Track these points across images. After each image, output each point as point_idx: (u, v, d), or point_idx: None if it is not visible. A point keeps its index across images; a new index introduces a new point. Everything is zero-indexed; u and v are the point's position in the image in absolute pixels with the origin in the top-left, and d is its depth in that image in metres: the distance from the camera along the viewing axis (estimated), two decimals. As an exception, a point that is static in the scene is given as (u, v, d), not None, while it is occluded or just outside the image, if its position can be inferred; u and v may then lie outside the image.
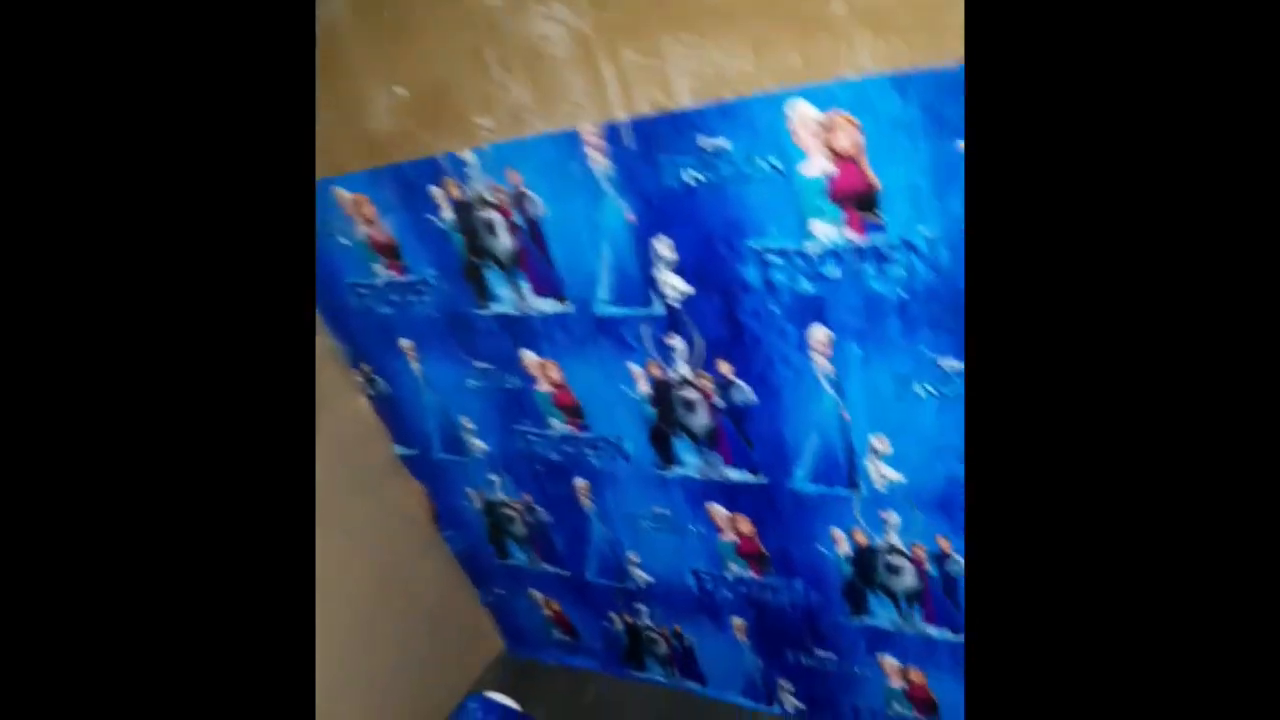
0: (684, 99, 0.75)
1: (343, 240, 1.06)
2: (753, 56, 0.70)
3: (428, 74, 0.85)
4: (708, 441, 1.01)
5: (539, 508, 1.25)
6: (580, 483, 1.17)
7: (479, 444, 1.22)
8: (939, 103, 0.66)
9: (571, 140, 0.82)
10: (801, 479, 0.98)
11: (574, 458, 1.15)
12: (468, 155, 0.89)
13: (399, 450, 1.33)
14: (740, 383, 0.93)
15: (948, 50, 0.62)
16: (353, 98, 0.91)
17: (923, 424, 0.85)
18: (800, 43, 0.67)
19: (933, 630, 1.02)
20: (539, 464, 1.19)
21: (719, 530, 1.10)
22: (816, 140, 0.73)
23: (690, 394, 0.97)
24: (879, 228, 0.75)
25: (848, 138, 0.71)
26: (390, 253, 1.04)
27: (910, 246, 0.74)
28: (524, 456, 1.19)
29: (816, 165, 0.74)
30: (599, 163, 0.83)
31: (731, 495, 1.05)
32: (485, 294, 1.02)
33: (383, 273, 1.07)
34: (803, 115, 0.72)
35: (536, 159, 0.86)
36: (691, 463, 1.05)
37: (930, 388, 0.82)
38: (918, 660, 1.08)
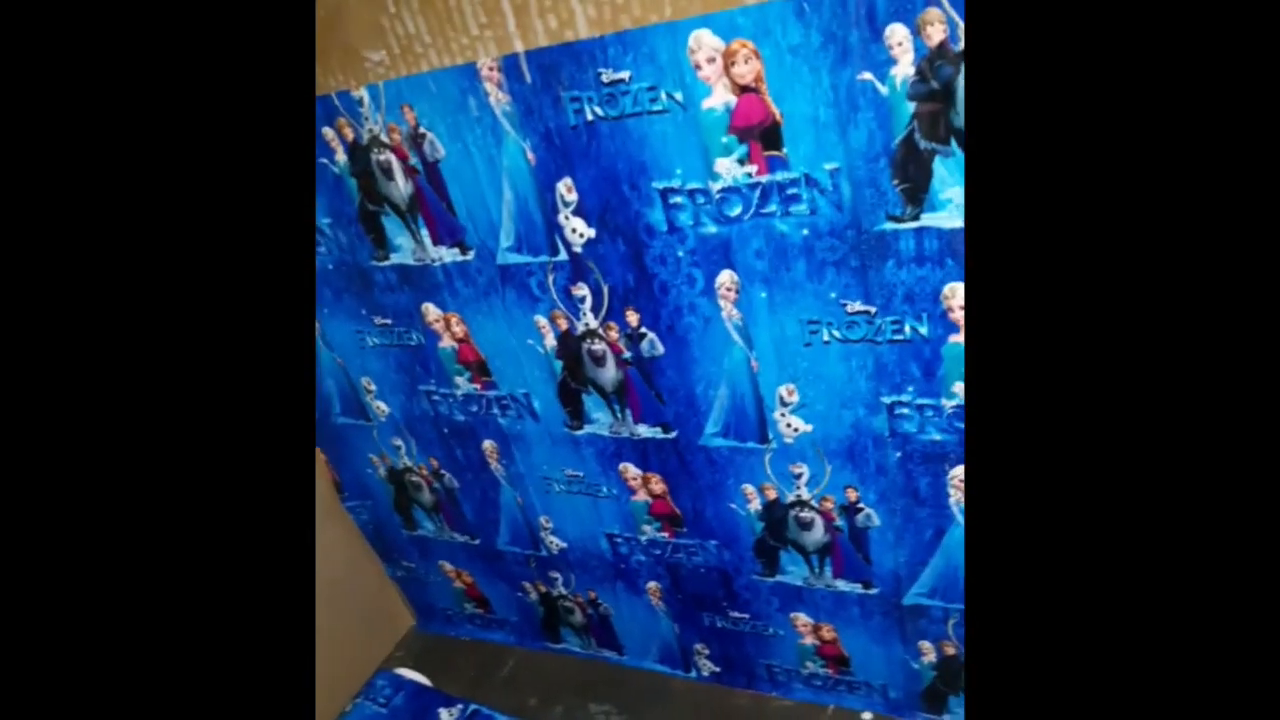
0: (584, 29, 0.73)
1: (231, 187, 1.02)
2: (651, -19, 0.68)
3: (316, 5, 0.82)
4: (617, 397, 1.00)
5: (446, 473, 1.22)
6: (489, 445, 1.15)
7: (382, 406, 1.19)
8: (841, 30, 0.65)
9: (469, 74, 0.80)
10: (712, 434, 0.97)
11: (481, 418, 1.12)
12: (360, 92, 0.86)
13: (300, 417, 1.28)
14: (649, 333, 0.91)
15: (846, -27, 0.62)
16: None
17: (830, 372, 0.85)
18: (699, -34, 0.66)
19: (842, 584, 1.03)
20: (445, 426, 1.16)
21: (631, 491, 1.09)
22: (717, 69, 0.71)
23: (598, 346, 0.96)
24: (782, 163, 0.74)
25: (749, 68, 0.70)
26: (282, 200, 1.00)
27: (813, 182, 0.74)
28: (429, 418, 1.16)
29: (718, 98, 0.73)
30: (498, 99, 0.80)
31: (643, 453, 1.04)
32: (383, 244, 0.98)
33: (275, 222, 1.03)
34: (704, 45, 0.70)
35: (432, 95, 0.83)
36: (602, 420, 1.03)
37: (836, 333, 0.81)
38: (829, 616, 1.08)
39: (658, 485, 1.06)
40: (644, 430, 1.01)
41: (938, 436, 0.83)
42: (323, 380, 1.20)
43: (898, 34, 0.64)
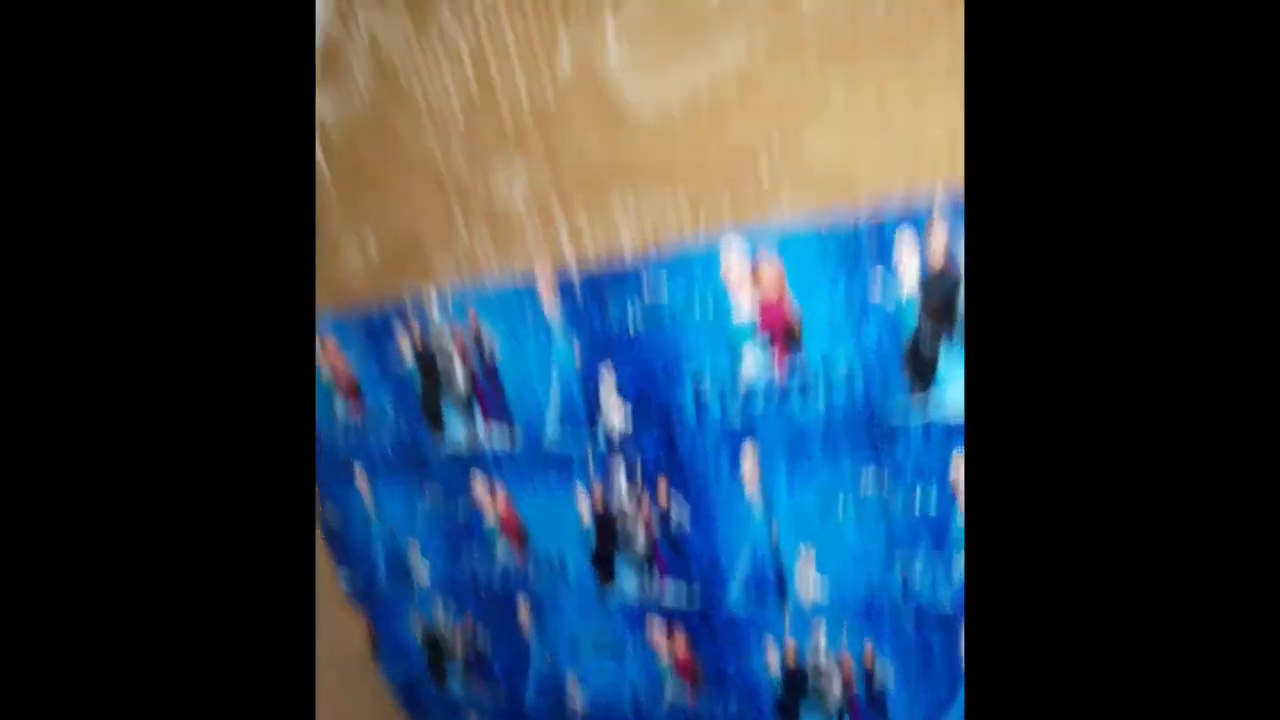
0: (629, 248, 0.82)
1: (303, 378, 1.09)
2: (689, 209, 0.78)
3: (396, 227, 0.91)
4: (647, 562, 1.04)
5: (480, 633, 1.25)
6: (523, 606, 1.18)
7: (424, 571, 1.22)
8: (852, 247, 0.74)
9: (528, 292, 0.89)
10: (735, 595, 1.01)
11: (517, 581, 1.16)
12: (430, 299, 0.95)
13: (344, 581, 1.31)
14: (677, 504, 0.97)
15: (859, 202, 0.71)
16: (326, 247, 0.96)
17: (845, 534, 0.90)
18: (731, 196, 0.76)
19: (863, 738, 1.05)
20: (482, 589, 1.19)
21: (657, 651, 1.12)
22: (745, 281, 0.80)
23: (630, 515, 1.01)
24: (800, 362, 0.82)
25: (772, 279, 0.79)
26: (352, 390, 1.08)
27: (828, 376, 0.82)
28: (468, 582, 1.20)
29: (745, 304, 0.81)
30: (551, 305, 0.89)
31: (669, 616, 1.07)
32: (440, 427, 1.05)
33: (343, 409, 1.10)
34: (733, 259, 0.79)
35: (494, 303, 0.92)
36: (631, 584, 1.07)
37: (851, 497, 0.87)
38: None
39: (682, 645, 1.09)
40: (671, 593, 1.05)
41: (948, 600, 0.88)
42: (372, 545, 1.24)
43: (904, 250, 0.73)
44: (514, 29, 0.75)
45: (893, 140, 0.67)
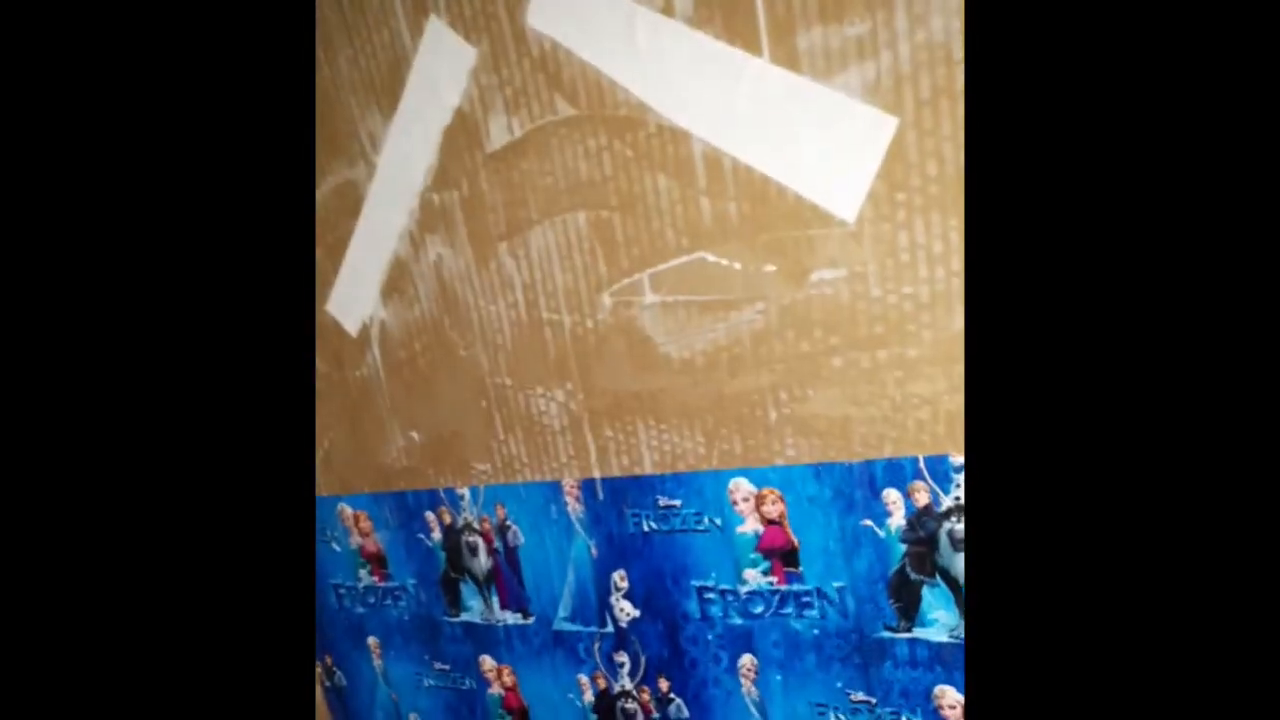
0: (648, 468, 0.89)
1: (335, 546, 1.15)
2: (705, 443, 0.85)
3: (442, 425, 0.99)
4: (642, 752, 1.07)
5: (475, 806, 1.25)
6: (518, 783, 1.19)
7: (424, 740, 1.24)
8: (847, 488, 0.81)
9: (554, 489, 0.95)
10: (726, 792, 1.03)
11: (515, 758, 1.17)
12: (463, 491, 1.02)
13: (343, 741, 1.32)
14: (677, 699, 1.00)
15: (854, 450, 0.78)
16: (375, 436, 1.04)
17: (833, 747, 0.93)
18: (742, 436, 0.83)
19: None
20: (481, 763, 1.21)
21: (646, 838, 1.12)
22: (750, 506, 0.87)
23: (630, 705, 1.04)
24: (798, 578, 0.87)
25: (775, 508, 0.86)
26: (377, 561, 1.13)
27: (823, 595, 0.87)
28: (467, 755, 1.21)
29: (749, 526, 0.88)
30: (574, 508, 0.96)
31: (659, 806, 1.08)
32: (457, 604, 1.09)
33: (366, 578, 1.15)
34: (741, 489, 0.86)
35: (522, 499, 0.98)
36: (625, 773, 1.09)
37: (842, 716, 0.91)
38: None
39: (671, 834, 1.10)
40: (664, 784, 1.06)
41: (927, 815, 0.90)
42: (374, 713, 1.25)
43: (892, 495, 0.80)
44: (564, 275, 0.85)
45: (884, 407, 0.75)
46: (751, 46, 0.69)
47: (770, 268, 0.75)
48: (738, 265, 0.76)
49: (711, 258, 0.77)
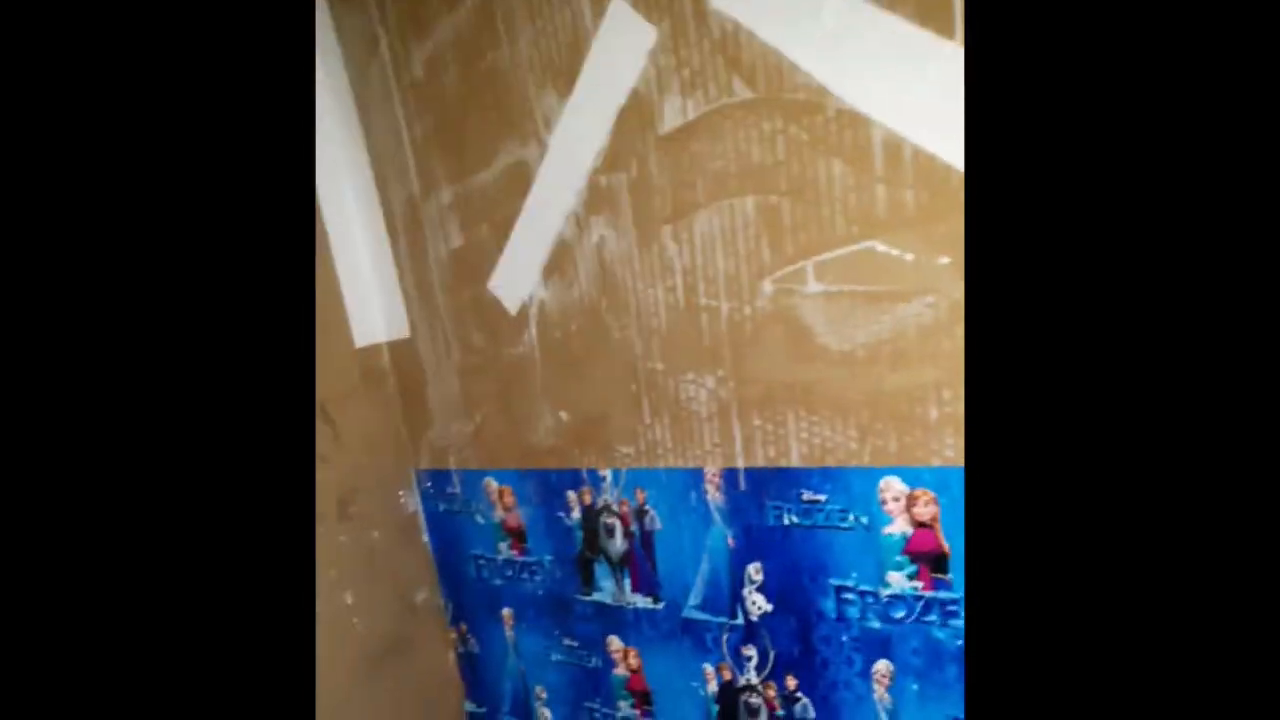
0: (795, 460, 0.87)
1: (479, 519, 1.17)
2: (858, 438, 0.82)
3: (590, 406, 0.99)
4: (764, 749, 1.04)
5: (590, 785, 1.25)
6: (634, 768, 1.18)
7: (546, 713, 1.24)
8: (1004, 497, 0.77)
9: (696, 476, 0.94)
10: (848, 801, 0.99)
11: (634, 743, 1.16)
12: (606, 473, 1.01)
13: (469, 707, 1.34)
14: (804, 698, 0.97)
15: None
16: (526, 414, 1.06)
17: (969, 765, 0.88)
18: (898, 433, 0.80)
19: None
20: (600, 743, 1.20)
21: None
22: (900, 507, 0.83)
23: (754, 700, 1.01)
24: (946, 585, 0.83)
25: (927, 510, 0.82)
26: (518, 536, 1.14)
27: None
28: (586, 733, 1.21)
29: (898, 527, 0.84)
30: (714, 497, 0.94)
31: (777, 805, 1.05)
32: (590, 583, 1.10)
33: (506, 551, 1.17)
34: (892, 488, 0.83)
35: (662, 485, 0.98)
36: (745, 766, 1.06)
37: (979, 732, 0.86)
38: None
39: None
40: (784, 784, 1.03)
41: None
42: (503, 682, 1.27)
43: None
44: (725, 261, 0.84)
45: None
46: (944, 30, 0.66)
47: (944, 260, 0.72)
48: (909, 256, 0.73)
49: (882, 247, 0.74)
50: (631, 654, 1.11)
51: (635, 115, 0.85)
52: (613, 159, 0.88)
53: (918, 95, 0.68)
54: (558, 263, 0.97)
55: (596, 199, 0.91)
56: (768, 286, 0.82)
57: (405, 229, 1.11)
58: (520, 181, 0.96)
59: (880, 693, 0.91)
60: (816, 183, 0.76)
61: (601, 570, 1.08)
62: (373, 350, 1.19)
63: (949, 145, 0.68)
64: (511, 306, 1.03)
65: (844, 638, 0.91)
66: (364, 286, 1.16)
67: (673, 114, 0.82)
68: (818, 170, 0.76)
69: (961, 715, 0.86)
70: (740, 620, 0.98)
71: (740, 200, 0.81)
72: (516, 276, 1.01)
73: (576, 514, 1.07)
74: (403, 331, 1.17)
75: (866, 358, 0.78)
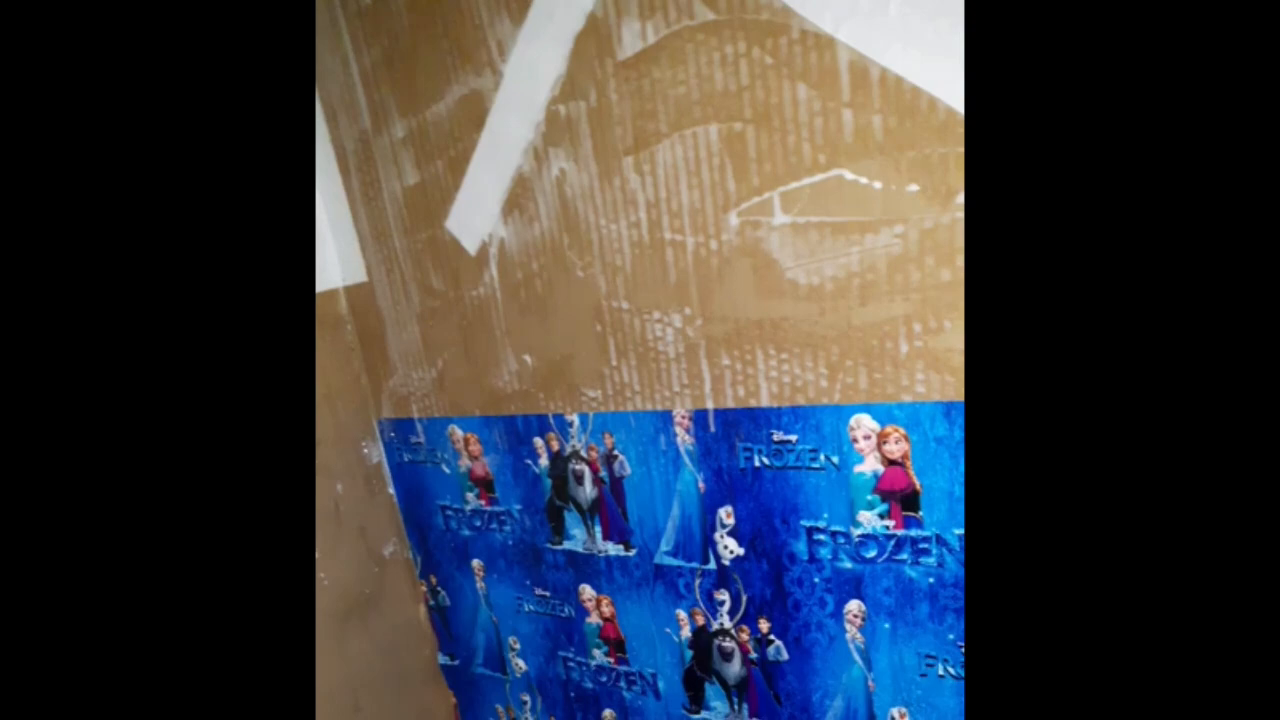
0: (764, 400, 0.85)
1: (445, 469, 1.15)
2: (827, 375, 0.80)
3: (555, 349, 0.97)
4: (738, 691, 1.04)
5: (566, 733, 1.25)
6: (609, 714, 1.18)
7: (520, 663, 1.24)
8: (977, 432, 0.76)
9: (664, 419, 0.92)
10: (823, 739, 0.99)
11: (608, 688, 1.16)
12: (573, 418, 0.99)
13: (442, 660, 1.34)
14: (777, 640, 0.97)
15: (988, 395, 0.73)
16: (489, 358, 1.03)
17: (942, 704, 0.88)
18: (868, 370, 0.78)
19: None
20: (573, 690, 1.20)
21: (735, 777, 1.10)
22: (871, 445, 0.82)
23: (728, 644, 1.01)
24: (917, 523, 0.82)
25: (898, 447, 0.81)
26: (485, 485, 1.12)
27: (943, 542, 0.82)
28: (560, 681, 1.21)
29: (869, 465, 0.83)
30: (684, 440, 0.92)
31: (753, 745, 1.06)
32: (560, 531, 1.08)
33: (474, 501, 1.15)
34: (863, 425, 0.81)
35: (631, 428, 0.96)
36: (719, 709, 1.06)
37: (952, 669, 0.86)
38: None
39: (762, 777, 1.07)
40: (758, 727, 1.04)
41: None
42: (475, 634, 1.26)
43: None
44: (690, 193, 0.81)
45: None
46: (913, -60, 0.63)
47: (913, 188, 0.69)
48: (878, 184, 0.71)
49: (850, 175, 0.72)
50: (604, 602, 1.10)
51: (594, 40, 0.81)
52: (570, 87, 0.84)
53: (885, 14, 0.65)
54: (517, 199, 0.94)
55: (555, 130, 0.87)
56: (734, 219, 0.79)
57: (358, 167, 1.07)
58: (475, 113, 0.92)
59: (853, 633, 0.91)
60: (782, 109, 0.73)
61: (572, 518, 1.06)
62: (329, 296, 1.15)
63: (916, 67, 0.66)
64: (470, 246, 1.00)
65: (816, 579, 0.91)
66: (319, 230, 1.12)
67: (632, 39, 0.79)
68: (783, 95, 0.73)
69: (933, 652, 0.86)
70: (712, 565, 0.97)
71: (704, 128, 0.78)
72: (475, 215, 0.98)
73: (544, 461, 1.05)
74: (359, 276, 1.14)
75: (835, 291, 0.76)
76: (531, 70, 0.86)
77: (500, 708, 1.30)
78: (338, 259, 1.14)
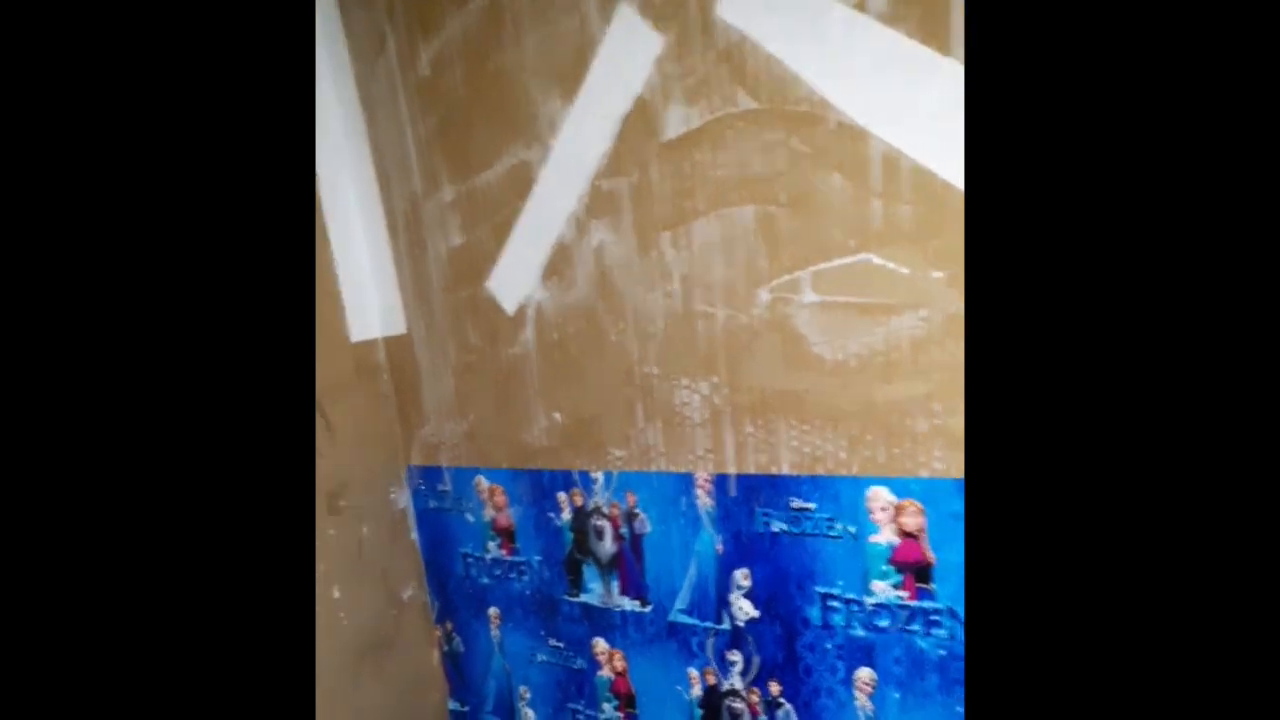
0: (785, 468, 0.88)
1: (469, 518, 1.18)
2: (847, 447, 0.83)
3: (584, 409, 1.00)
4: (745, 754, 1.04)
5: (571, 786, 1.25)
6: (616, 770, 1.19)
7: (529, 713, 1.25)
8: (991, 510, 0.78)
9: (686, 481, 0.95)
10: (826, 806, 0.99)
11: (616, 745, 1.17)
12: (597, 475, 1.02)
13: (452, 705, 1.35)
14: (787, 704, 0.98)
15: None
16: (520, 414, 1.06)
17: (948, 776, 0.89)
18: (887, 445, 0.81)
19: None
20: (582, 744, 1.21)
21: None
22: (887, 516, 0.84)
23: (738, 705, 1.02)
24: (930, 595, 0.84)
25: (914, 520, 0.83)
26: (507, 535, 1.15)
27: (955, 615, 0.83)
28: (569, 734, 1.22)
29: (884, 537, 0.85)
30: (704, 502, 0.95)
31: (758, 809, 1.06)
32: (578, 584, 1.10)
33: (495, 550, 1.17)
34: (880, 497, 0.84)
35: (653, 489, 0.99)
36: (726, 772, 1.07)
37: (959, 742, 0.87)
38: None
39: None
40: (765, 789, 1.04)
41: None
42: (487, 681, 1.27)
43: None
44: (724, 269, 0.85)
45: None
46: (944, 47, 0.67)
47: (938, 274, 0.73)
48: (905, 270, 0.74)
49: (878, 260, 0.75)
50: (617, 656, 1.11)
51: (640, 122, 0.86)
52: (615, 164, 0.89)
53: (917, 111, 0.70)
54: (557, 265, 0.98)
55: (598, 203, 0.92)
56: (764, 295, 0.83)
57: (406, 226, 1.12)
58: (522, 183, 0.97)
59: (862, 700, 0.92)
60: (815, 194, 0.77)
61: (590, 572, 1.09)
62: (368, 345, 1.19)
63: (946, 161, 0.70)
64: (509, 307, 1.04)
65: (828, 645, 0.92)
66: (362, 281, 1.17)
67: (677, 122, 0.84)
68: (817, 182, 0.77)
69: (941, 725, 0.88)
70: (726, 625, 0.99)
71: (740, 209, 0.82)
72: (515, 277, 1.02)
73: (567, 515, 1.08)
74: (399, 328, 1.18)
75: (859, 368, 0.79)
76: (579, 146, 0.91)
77: (506, 758, 1.31)
78: (379, 310, 1.18)
